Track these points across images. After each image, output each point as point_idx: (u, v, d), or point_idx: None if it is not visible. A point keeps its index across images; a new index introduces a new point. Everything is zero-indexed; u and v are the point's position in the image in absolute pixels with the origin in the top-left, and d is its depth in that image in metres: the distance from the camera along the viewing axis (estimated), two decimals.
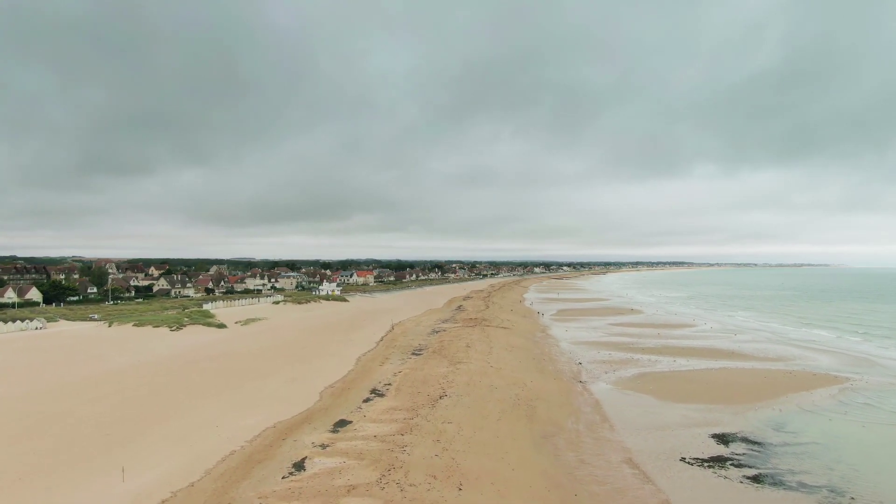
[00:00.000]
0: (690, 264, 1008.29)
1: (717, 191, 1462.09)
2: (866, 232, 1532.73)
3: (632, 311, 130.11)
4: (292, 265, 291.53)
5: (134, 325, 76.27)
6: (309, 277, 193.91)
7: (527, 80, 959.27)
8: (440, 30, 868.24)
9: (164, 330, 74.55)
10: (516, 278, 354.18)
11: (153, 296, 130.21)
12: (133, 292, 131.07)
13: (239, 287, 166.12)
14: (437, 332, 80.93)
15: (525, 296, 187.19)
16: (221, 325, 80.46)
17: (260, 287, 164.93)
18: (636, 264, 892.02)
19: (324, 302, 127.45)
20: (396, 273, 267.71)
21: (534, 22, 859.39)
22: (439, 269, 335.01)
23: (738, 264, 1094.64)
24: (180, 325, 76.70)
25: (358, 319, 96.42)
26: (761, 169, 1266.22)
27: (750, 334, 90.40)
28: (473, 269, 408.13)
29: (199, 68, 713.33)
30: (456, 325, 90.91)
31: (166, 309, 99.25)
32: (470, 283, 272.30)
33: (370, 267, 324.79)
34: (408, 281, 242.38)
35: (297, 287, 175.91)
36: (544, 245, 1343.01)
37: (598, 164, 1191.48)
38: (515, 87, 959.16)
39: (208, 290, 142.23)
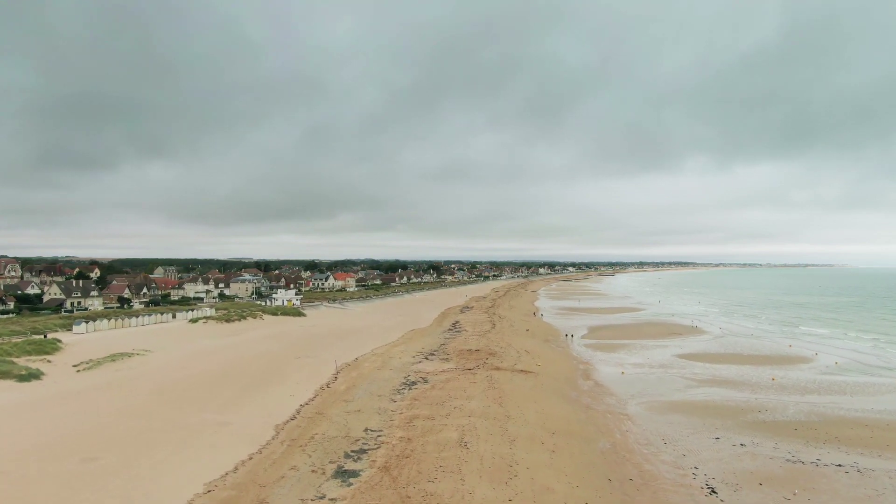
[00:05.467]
0: (695, 264, 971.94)
1: (711, 187, 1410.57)
2: (868, 231, 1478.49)
3: (693, 329, 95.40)
4: (267, 266, 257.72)
5: None
6: (271, 281, 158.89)
7: (491, 56, 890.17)
8: None
9: None
10: (521, 280, 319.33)
11: (38, 309, 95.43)
12: (12, 304, 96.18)
13: (176, 294, 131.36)
14: (410, 385, 46.34)
15: (537, 304, 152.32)
16: (29, 376, 45.74)
17: (202, 294, 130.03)
18: (641, 264, 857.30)
19: (268, 317, 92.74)
20: (384, 275, 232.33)
21: None
22: (435, 271, 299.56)
23: (742, 264, 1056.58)
24: None
25: (292, 354, 61.76)
26: (757, 162, 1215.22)
27: None
28: (473, 269, 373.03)
29: (111, 40, 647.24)
30: (446, 364, 56.32)
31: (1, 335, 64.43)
32: (469, 286, 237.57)
33: (357, 268, 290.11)
34: (396, 285, 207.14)
35: (252, 293, 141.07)
36: (543, 245, 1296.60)
37: (584, 157, 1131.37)
38: (479, 64, 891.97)
39: (122, 301, 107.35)
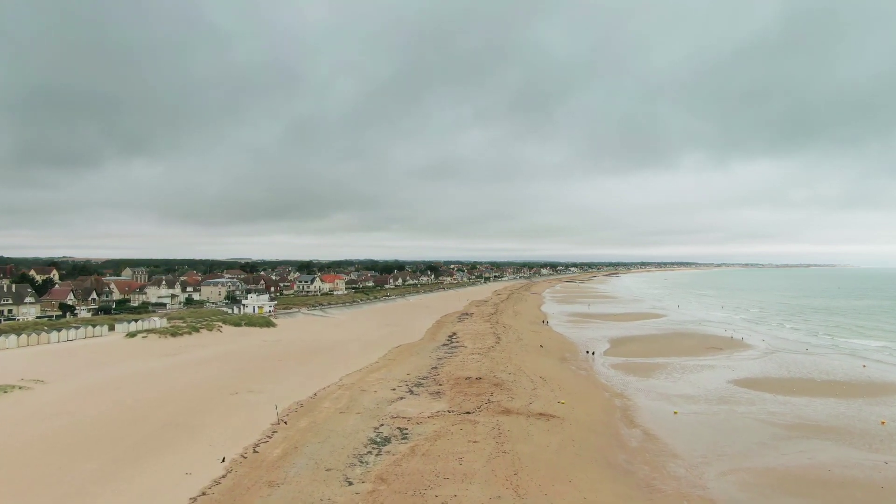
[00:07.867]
0: (696, 265, 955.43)
1: (709, 185, 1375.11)
2: (869, 231, 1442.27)
3: (734, 342, 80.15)
4: (253, 267, 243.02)
5: None
6: (250, 284, 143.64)
7: (474, 45, 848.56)
8: None
9: None
10: (523, 282, 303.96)
11: None
12: None
13: (137, 299, 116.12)
14: (380, 446, 31.25)
15: (545, 309, 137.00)
16: None
17: (165, 299, 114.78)
18: (643, 264, 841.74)
19: (228, 329, 77.75)
20: (379, 277, 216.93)
21: None
22: (433, 272, 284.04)
23: (744, 265, 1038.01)
24: None
25: (231, 387, 46.67)
26: (755, 159, 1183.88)
27: None
28: (474, 270, 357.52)
29: (61, 26, 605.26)
30: (436, 403, 41.24)
31: None
32: (469, 288, 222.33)
33: (351, 269, 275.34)
34: (390, 287, 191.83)
35: (226, 297, 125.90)
36: (543, 245, 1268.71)
37: (577, 155, 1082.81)
38: (462, 54, 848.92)
39: (65, 308, 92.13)
